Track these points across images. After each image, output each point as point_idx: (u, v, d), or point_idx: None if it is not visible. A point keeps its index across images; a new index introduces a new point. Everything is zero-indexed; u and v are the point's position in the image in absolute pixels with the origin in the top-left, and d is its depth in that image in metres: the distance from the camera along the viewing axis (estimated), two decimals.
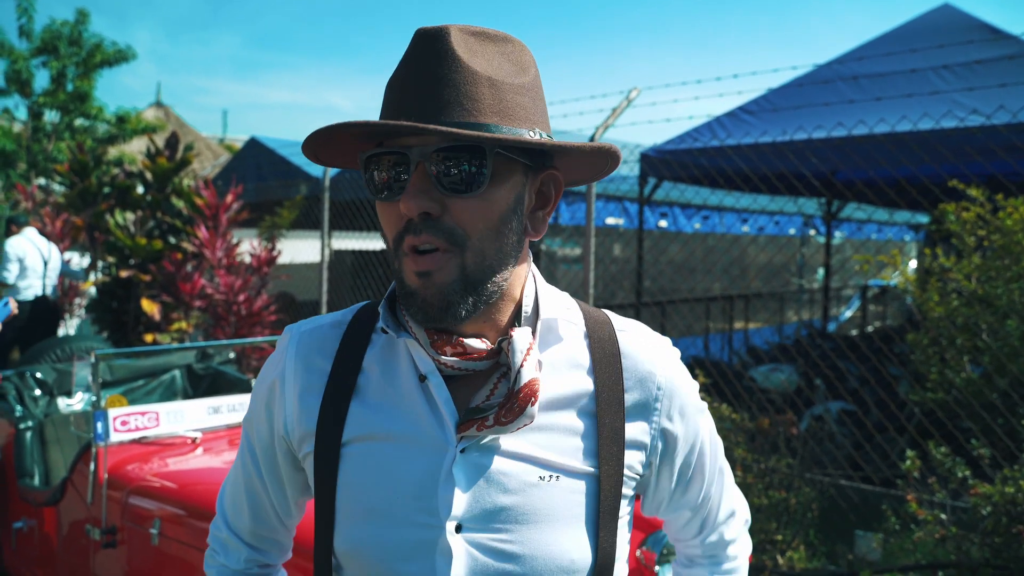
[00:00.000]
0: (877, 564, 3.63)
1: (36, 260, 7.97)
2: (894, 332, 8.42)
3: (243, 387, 4.21)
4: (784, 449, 4.10)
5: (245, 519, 1.24)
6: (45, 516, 3.35)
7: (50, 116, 17.52)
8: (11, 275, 7.80)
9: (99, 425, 2.98)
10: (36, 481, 3.58)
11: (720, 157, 5.96)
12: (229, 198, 7.35)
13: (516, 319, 1.08)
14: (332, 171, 8.54)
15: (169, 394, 4.41)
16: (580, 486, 1.06)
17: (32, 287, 7.95)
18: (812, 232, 14.00)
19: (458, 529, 1.02)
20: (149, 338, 7.53)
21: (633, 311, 7.80)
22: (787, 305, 14.20)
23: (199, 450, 3.13)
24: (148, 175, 8.02)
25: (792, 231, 13.60)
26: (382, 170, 1.01)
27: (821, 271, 13.13)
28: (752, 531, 3.89)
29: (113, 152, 17.28)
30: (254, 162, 11.27)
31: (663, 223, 10.30)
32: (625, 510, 1.11)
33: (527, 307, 1.09)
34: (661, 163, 6.48)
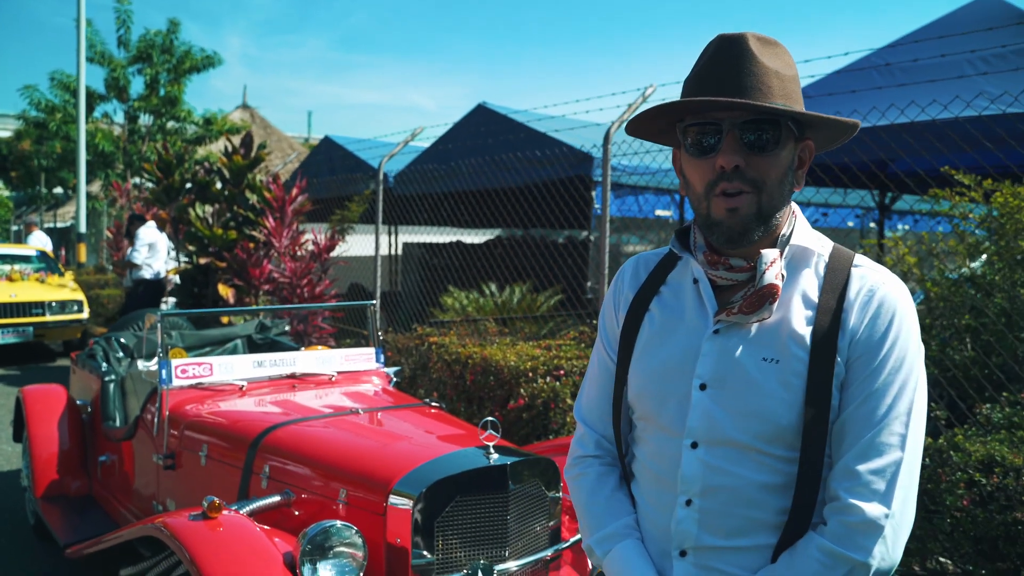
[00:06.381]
0: None
1: (161, 246, 9.58)
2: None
3: None
4: None
5: (595, 404, 1.61)
6: (122, 449, 4.05)
7: (144, 120, 18.75)
8: (139, 256, 9.41)
9: (163, 372, 3.64)
10: (117, 423, 4.30)
11: None
12: (294, 192, 8.06)
13: (773, 245, 1.42)
14: (386, 166, 9.16)
15: None
16: (795, 370, 1.34)
17: (155, 268, 9.58)
18: (873, 225, 14.00)
19: (702, 387, 1.39)
20: (225, 320, 8.32)
21: None
22: None
23: (245, 396, 3.75)
24: (225, 172, 8.83)
25: (850, 223, 13.65)
26: (700, 135, 1.36)
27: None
28: None
29: (201, 152, 18.43)
30: (327, 159, 12.01)
31: None
32: (836, 398, 1.33)
33: (784, 236, 1.42)
34: None
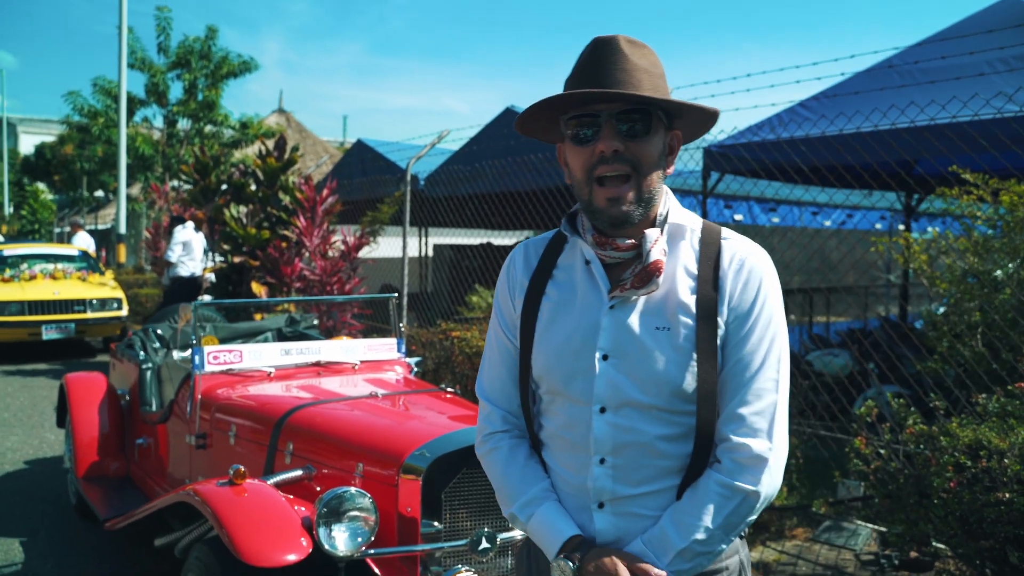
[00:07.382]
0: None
1: (197, 245, 9.97)
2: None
3: None
4: None
5: (498, 383, 1.71)
6: (158, 432, 4.30)
7: (182, 124, 19.19)
8: (174, 254, 9.85)
9: (196, 358, 3.88)
10: (153, 407, 4.55)
11: (779, 151, 6.05)
12: (324, 193, 8.32)
13: (652, 225, 1.57)
14: (418, 168, 9.39)
15: None
16: (684, 335, 1.51)
17: (190, 267, 9.98)
18: (902, 227, 13.98)
19: (604, 358, 1.53)
20: (258, 316, 8.61)
21: None
22: (878, 300, 14.26)
23: (272, 381, 3.97)
24: (259, 174, 9.13)
25: (878, 226, 13.65)
26: (580, 127, 1.51)
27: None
28: None
29: (237, 155, 18.83)
30: (359, 162, 12.26)
31: (738, 216, 10.56)
32: (720, 356, 1.51)
33: (661, 216, 1.58)
34: (723, 157, 6.78)
